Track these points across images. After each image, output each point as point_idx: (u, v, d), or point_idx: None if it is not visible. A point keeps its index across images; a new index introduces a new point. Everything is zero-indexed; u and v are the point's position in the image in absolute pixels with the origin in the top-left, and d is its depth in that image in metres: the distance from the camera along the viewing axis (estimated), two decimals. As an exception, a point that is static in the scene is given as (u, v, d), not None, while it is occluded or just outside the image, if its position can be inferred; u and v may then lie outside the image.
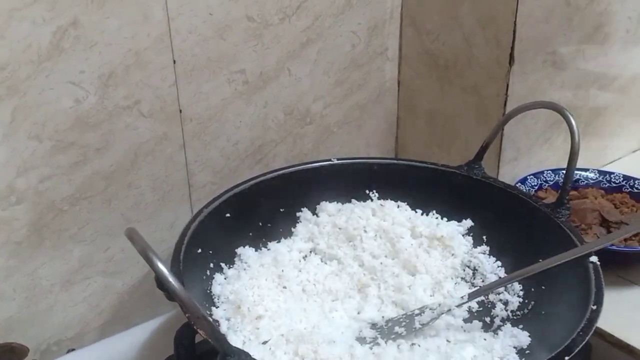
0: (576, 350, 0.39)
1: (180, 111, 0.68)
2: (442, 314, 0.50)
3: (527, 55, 0.72)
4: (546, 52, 0.75)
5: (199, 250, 0.53)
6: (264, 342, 0.46)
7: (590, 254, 0.47)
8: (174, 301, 0.41)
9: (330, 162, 0.65)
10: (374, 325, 0.52)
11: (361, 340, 0.50)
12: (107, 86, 0.62)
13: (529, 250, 0.52)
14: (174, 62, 0.65)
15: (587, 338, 0.40)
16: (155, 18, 0.62)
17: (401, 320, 0.51)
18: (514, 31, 0.69)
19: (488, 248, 0.60)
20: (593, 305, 0.43)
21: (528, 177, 0.77)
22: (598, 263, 0.47)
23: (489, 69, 0.74)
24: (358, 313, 0.55)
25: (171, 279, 0.33)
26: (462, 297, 0.51)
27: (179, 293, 0.33)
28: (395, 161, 0.67)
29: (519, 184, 0.75)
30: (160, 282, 0.37)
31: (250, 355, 0.37)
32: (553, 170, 0.78)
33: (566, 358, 0.38)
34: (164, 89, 0.66)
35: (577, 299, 0.45)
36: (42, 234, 0.63)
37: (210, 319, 0.39)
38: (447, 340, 0.49)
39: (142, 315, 0.72)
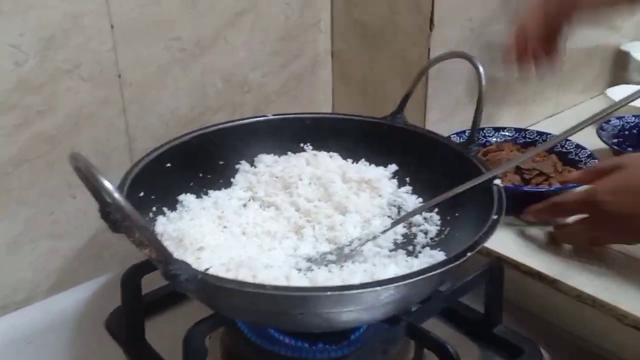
0: (478, 248, 0.44)
1: (119, 76, 0.71)
2: (368, 240, 0.55)
3: (446, 21, 0.79)
4: (464, 18, 0.82)
5: (141, 194, 0.56)
6: (205, 270, 0.50)
7: (494, 178, 0.53)
8: (118, 232, 0.44)
9: (266, 118, 0.69)
10: (309, 259, 0.57)
11: (297, 270, 0.54)
12: (47, 49, 0.64)
13: (445, 185, 0.57)
14: (112, 26, 0.68)
15: (488, 238, 0.46)
16: (92, -17, 0.65)
17: (332, 252, 0.56)
18: (432, -4, 0.75)
19: (411, 188, 0.66)
20: (494, 215, 0.49)
21: (451, 136, 0.83)
22: (501, 185, 0.54)
23: (412, 35, 0.80)
24: (295, 250, 0.59)
25: (116, 193, 0.36)
26: (385, 226, 0.56)
27: (121, 203, 0.37)
28: (326, 115, 0.72)
29: None
30: (103, 203, 0.40)
31: (189, 265, 0.41)
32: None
33: (468, 253, 0.44)
34: (103, 54, 0.68)
35: (484, 219, 0.50)
36: (-15, 195, 0.64)
37: (151, 229, 0.41)
38: (374, 265, 0.54)
39: (89, 278, 0.74)
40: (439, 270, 0.43)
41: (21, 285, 0.70)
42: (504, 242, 0.67)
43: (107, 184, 0.37)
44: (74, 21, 0.65)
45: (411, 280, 0.42)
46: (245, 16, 0.80)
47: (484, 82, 0.58)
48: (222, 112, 0.82)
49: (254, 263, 0.50)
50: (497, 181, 0.54)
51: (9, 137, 0.64)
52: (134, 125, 0.74)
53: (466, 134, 0.83)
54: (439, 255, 0.54)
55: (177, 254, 0.52)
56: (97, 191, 0.41)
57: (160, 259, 0.40)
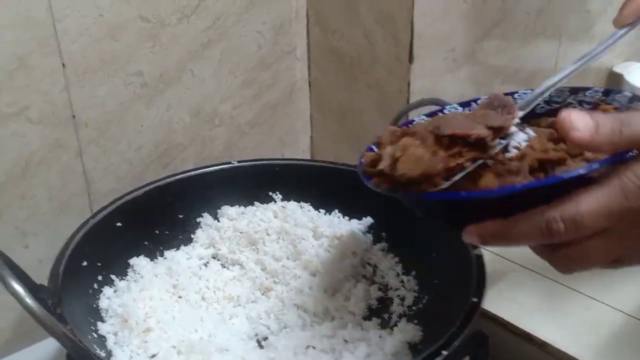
0: (455, 345, 0.39)
1: (74, 116, 0.65)
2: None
3: (427, 53, 0.74)
4: (446, 50, 0.76)
5: (84, 263, 0.51)
6: (152, 356, 0.45)
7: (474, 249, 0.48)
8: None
9: (231, 165, 0.64)
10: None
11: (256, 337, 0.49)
12: (-12, 93, 0.59)
13: (422, 244, 0.52)
14: (64, 65, 0.63)
15: (465, 331, 0.41)
16: (39, 20, 0.60)
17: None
18: (412, 29, 0.70)
19: (387, 245, 0.60)
20: (473, 298, 0.44)
21: None
22: (482, 255, 0.48)
23: (390, 66, 0.75)
24: (259, 318, 0.54)
25: (27, 298, 0.31)
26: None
27: (34, 310, 0.32)
28: (297, 162, 0.66)
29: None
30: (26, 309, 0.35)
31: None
32: None
33: (443, 352, 0.39)
34: (54, 94, 0.63)
35: (460, 291, 0.46)
36: None
37: (95, 336, 0.37)
38: (345, 340, 0.49)
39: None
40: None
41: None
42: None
43: (17, 288, 0.31)
44: (20, 62, 0.60)
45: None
46: (213, 47, 0.74)
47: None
48: (190, 148, 0.77)
49: (207, 347, 0.45)
50: (478, 251, 0.48)
51: (-52, 190, 0.59)
52: (92, 167, 0.69)
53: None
54: (416, 331, 0.49)
55: (122, 335, 0.47)
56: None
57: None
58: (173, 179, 0.61)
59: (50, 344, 0.66)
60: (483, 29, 0.79)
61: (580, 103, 0.47)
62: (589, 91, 0.47)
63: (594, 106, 0.46)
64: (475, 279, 0.45)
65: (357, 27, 0.76)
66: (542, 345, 0.58)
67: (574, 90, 0.48)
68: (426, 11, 0.70)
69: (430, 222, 0.56)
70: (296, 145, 0.90)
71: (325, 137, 0.89)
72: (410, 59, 0.72)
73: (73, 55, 0.63)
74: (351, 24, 0.77)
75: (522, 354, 0.60)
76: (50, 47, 0.61)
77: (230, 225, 0.61)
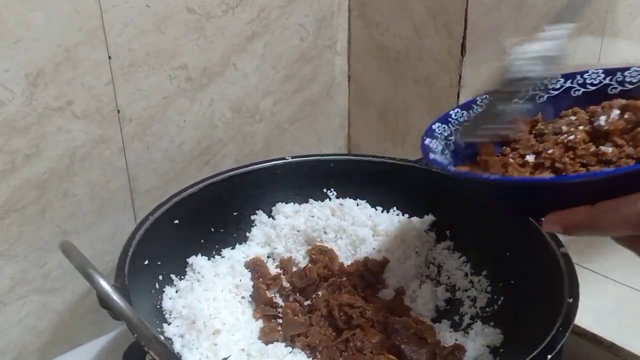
0: (559, 347, 0.37)
1: (118, 111, 0.63)
2: None
3: (479, 45, 0.71)
4: (498, 41, 0.74)
5: (146, 262, 0.48)
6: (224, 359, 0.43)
7: (560, 246, 0.45)
8: (120, 320, 0.37)
9: (284, 161, 0.61)
10: None
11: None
12: (35, 86, 0.56)
13: (493, 242, 0.50)
14: (109, 58, 0.60)
15: (567, 334, 0.39)
16: (87, 10, 0.57)
17: None
18: (466, 20, 0.68)
19: (452, 243, 0.58)
20: (569, 299, 0.42)
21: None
22: (569, 254, 0.46)
23: (441, 60, 0.73)
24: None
25: (115, 296, 0.29)
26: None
27: (125, 313, 0.29)
28: (353, 157, 0.64)
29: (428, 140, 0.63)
30: (103, 301, 0.33)
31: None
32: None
33: (549, 356, 0.36)
34: (99, 88, 0.61)
35: (549, 292, 0.43)
36: (-33, 252, 0.57)
37: (162, 339, 0.34)
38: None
39: (86, 335, 0.67)
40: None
41: (9, 346, 0.63)
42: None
43: (106, 287, 0.29)
44: (66, 54, 0.57)
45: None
46: (257, 40, 0.72)
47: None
48: (231, 144, 0.75)
49: (278, 350, 0.42)
50: (564, 249, 0.46)
51: (-7, 186, 0.56)
52: (135, 163, 0.67)
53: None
54: (494, 335, 0.46)
55: (189, 337, 0.44)
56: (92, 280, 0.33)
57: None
58: (226, 175, 0.58)
59: (90, 349, 0.64)
60: (533, 21, 0.77)
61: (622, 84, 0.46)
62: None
63: None
64: (566, 278, 0.43)
65: (406, 20, 0.74)
66: (610, 347, 0.56)
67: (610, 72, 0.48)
68: (480, 1, 0.68)
69: (499, 221, 0.53)
70: (333, 143, 0.88)
71: (364, 134, 0.87)
72: (463, 51, 0.69)
73: (119, 47, 0.61)
74: (398, 17, 0.75)
75: (589, 357, 0.58)
76: (97, 39, 0.59)
77: (286, 223, 0.58)
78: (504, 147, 0.44)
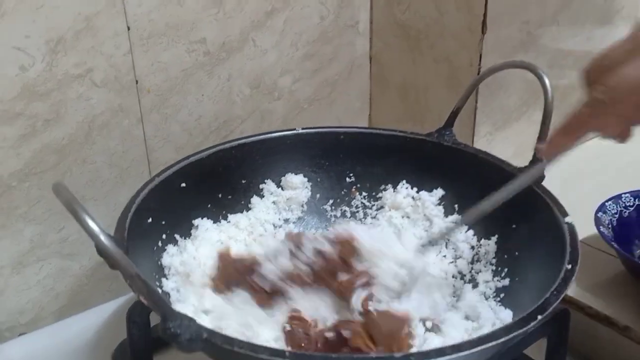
0: (550, 309, 0.36)
1: (137, 82, 0.64)
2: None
3: (501, 23, 0.70)
4: (521, 21, 0.72)
5: (150, 220, 0.49)
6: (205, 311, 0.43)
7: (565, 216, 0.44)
8: (116, 269, 0.38)
9: (295, 132, 0.62)
10: None
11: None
12: (55, 52, 0.58)
13: (502, 217, 0.49)
14: (128, 28, 0.62)
15: (562, 296, 0.37)
16: (107, -22, 0.59)
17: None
18: (486, -5, 0.67)
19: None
20: (568, 265, 0.41)
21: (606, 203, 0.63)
22: (573, 224, 0.45)
23: (461, 37, 0.72)
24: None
25: (102, 235, 0.30)
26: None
27: (109, 250, 0.30)
28: (363, 130, 0.64)
29: (600, 213, 0.61)
30: (97, 246, 0.33)
31: (194, 320, 0.33)
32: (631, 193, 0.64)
33: (539, 317, 0.35)
34: (118, 57, 0.62)
35: (551, 261, 0.42)
36: (-12, 212, 0.59)
37: (144, 279, 0.35)
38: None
39: (102, 300, 0.69)
40: (502, 339, 0.35)
41: (27, 306, 0.65)
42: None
43: (93, 226, 0.30)
44: (86, 22, 0.59)
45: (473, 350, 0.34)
46: (276, 16, 0.73)
47: (550, 94, 0.50)
48: (249, 121, 0.75)
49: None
50: (569, 219, 0.45)
51: (14, 149, 0.59)
52: (153, 134, 0.68)
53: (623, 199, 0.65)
54: (497, 307, 0.45)
55: (184, 291, 0.45)
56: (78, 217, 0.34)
57: (158, 312, 0.33)
58: (236, 142, 0.59)
59: (103, 310, 0.65)
60: (559, 1, 0.75)
61: None
62: None
63: None
64: (568, 246, 0.42)
65: (427, -4, 0.73)
66: (625, 330, 0.54)
67: None
68: (502, -25, 0.67)
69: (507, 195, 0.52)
70: (353, 124, 0.88)
71: (386, 115, 0.86)
72: (484, 28, 0.68)
73: (138, 17, 0.62)
74: (419, -6, 0.74)
75: (601, 339, 0.56)
76: (116, 8, 0.60)
77: (293, 194, 0.59)
78: None
